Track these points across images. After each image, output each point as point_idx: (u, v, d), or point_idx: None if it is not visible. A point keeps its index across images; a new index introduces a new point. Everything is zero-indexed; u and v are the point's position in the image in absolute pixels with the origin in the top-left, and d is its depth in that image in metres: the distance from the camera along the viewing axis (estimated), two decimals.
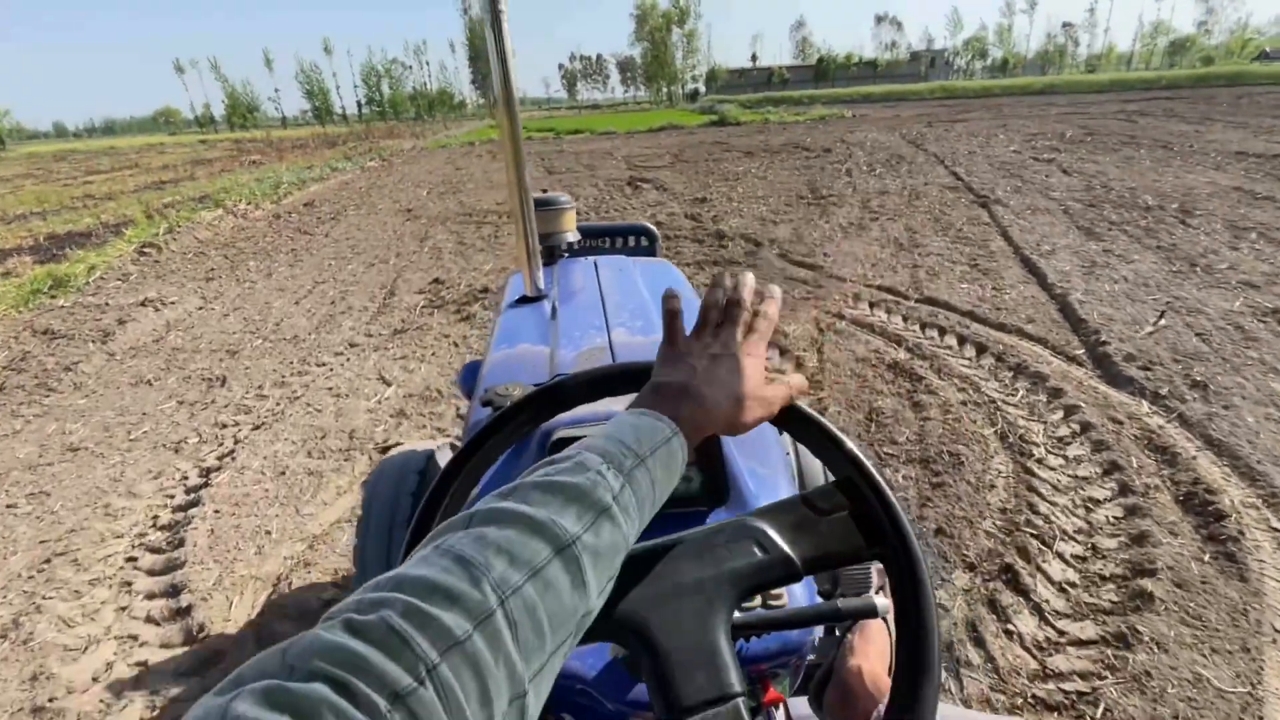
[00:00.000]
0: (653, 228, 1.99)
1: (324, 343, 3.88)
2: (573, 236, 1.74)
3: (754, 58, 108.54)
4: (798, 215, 6.54)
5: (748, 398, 0.50)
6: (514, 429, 0.58)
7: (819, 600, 0.78)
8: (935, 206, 6.52)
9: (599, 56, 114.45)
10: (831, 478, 0.54)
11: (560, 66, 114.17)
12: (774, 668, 0.71)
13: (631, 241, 1.97)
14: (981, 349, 3.19)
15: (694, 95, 69.03)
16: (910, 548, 0.48)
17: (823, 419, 0.55)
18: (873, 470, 0.51)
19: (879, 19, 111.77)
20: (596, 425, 0.70)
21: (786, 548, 0.47)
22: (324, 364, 3.55)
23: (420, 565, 0.31)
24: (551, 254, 1.70)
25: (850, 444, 0.53)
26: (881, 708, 0.72)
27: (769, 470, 0.87)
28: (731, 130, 18.94)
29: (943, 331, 3.44)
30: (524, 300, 1.40)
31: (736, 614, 0.47)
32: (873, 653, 0.81)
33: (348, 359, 3.60)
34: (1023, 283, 4.11)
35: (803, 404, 0.55)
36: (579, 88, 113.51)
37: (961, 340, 3.31)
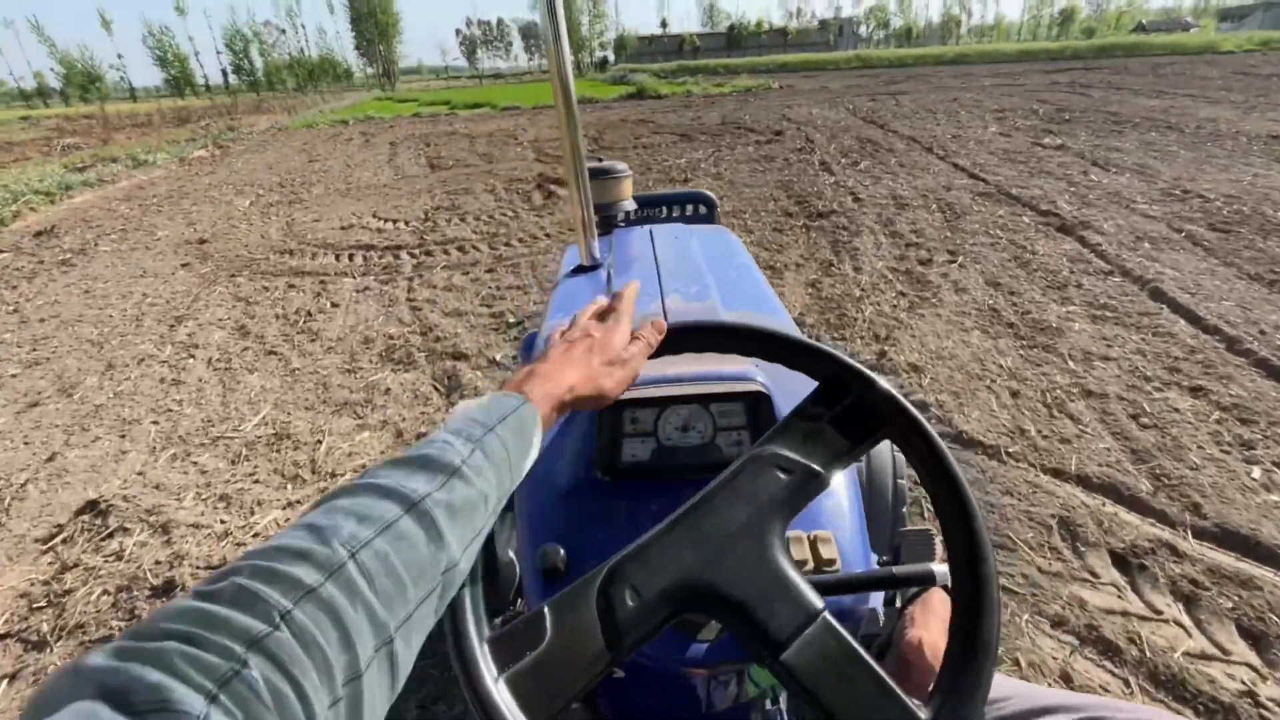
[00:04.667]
0: (711, 195, 1.91)
1: None
2: (630, 205, 1.69)
3: (664, 24, 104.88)
4: (802, 251, 4.26)
5: (600, 368, 0.56)
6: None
7: (875, 568, 0.73)
8: (994, 231, 4.44)
9: (500, 21, 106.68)
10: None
11: (458, 32, 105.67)
12: None
13: (690, 210, 1.91)
14: None
15: (603, 64, 65.18)
16: (914, 416, 0.49)
17: (720, 319, 0.64)
18: (844, 356, 0.54)
19: None
20: (648, 386, 0.78)
21: (805, 460, 0.51)
22: None
23: (270, 540, 0.32)
24: (608, 224, 1.65)
25: (795, 335, 0.57)
26: None
27: None
28: (654, 105, 16.39)
29: None
30: (580, 270, 1.38)
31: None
32: (934, 624, 0.72)
33: None
34: None
35: (683, 319, 0.60)
36: (479, 55, 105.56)
37: None
